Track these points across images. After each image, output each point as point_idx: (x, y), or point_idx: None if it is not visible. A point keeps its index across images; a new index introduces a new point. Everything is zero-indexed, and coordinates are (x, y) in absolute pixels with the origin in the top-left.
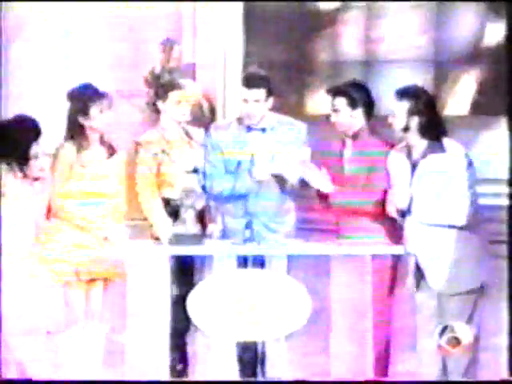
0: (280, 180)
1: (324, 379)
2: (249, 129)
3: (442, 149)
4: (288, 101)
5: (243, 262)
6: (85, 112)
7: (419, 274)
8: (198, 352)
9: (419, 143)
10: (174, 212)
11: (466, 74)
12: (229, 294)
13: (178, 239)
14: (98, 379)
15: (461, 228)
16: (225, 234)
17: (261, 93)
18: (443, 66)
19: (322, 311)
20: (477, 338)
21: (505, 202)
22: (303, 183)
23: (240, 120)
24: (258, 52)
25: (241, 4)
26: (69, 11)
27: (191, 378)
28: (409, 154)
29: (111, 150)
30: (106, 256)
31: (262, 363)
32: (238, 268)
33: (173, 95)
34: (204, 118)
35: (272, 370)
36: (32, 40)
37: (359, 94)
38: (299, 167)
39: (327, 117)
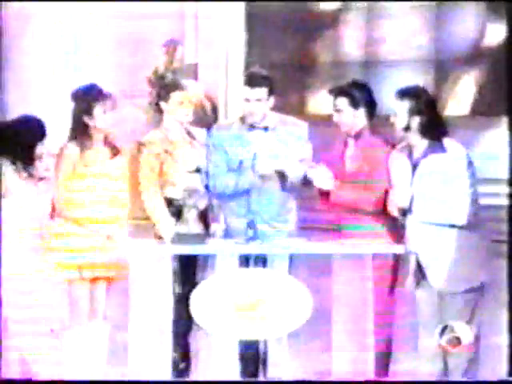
0: (281, 176)
1: (325, 379)
2: (251, 128)
3: (442, 149)
4: (289, 101)
5: (245, 261)
6: (89, 112)
7: (420, 272)
8: (200, 350)
9: (420, 143)
10: (176, 211)
11: (467, 74)
12: (231, 293)
13: (180, 238)
14: (99, 379)
15: (461, 227)
16: (227, 233)
17: (263, 92)
18: (443, 67)
19: (324, 310)
20: (477, 337)
21: (505, 201)
22: (305, 181)
23: (242, 119)
24: (260, 53)
25: (243, 5)
26: (73, 12)
27: (193, 376)
28: (410, 154)
29: (115, 151)
30: (108, 255)
31: (264, 362)
32: (240, 267)
33: (176, 96)
34: (206, 118)
35: (273, 369)
36: (36, 41)
37: (361, 94)
38: (301, 165)
39: (329, 117)
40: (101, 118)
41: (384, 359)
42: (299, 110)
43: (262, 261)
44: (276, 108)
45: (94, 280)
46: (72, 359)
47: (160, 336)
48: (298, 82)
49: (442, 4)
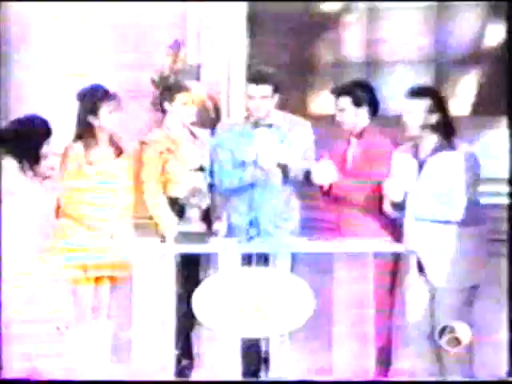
0: (284, 171)
1: (326, 377)
2: (255, 125)
3: (452, 147)
4: (291, 102)
5: (247, 259)
6: (94, 112)
7: (419, 270)
8: (202, 348)
9: (430, 141)
10: (179, 210)
11: (467, 74)
12: (233, 292)
13: (183, 237)
14: (100, 379)
15: (460, 225)
16: (230, 232)
17: (268, 89)
18: (444, 67)
19: (325, 309)
20: (473, 336)
21: (505, 200)
22: (307, 177)
23: (247, 118)
24: (262, 53)
25: (245, 6)
26: (76, 12)
27: (196, 373)
28: (416, 153)
29: (119, 151)
30: (113, 255)
31: (266, 360)
32: (242, 266)
33: (180, 97)
34: (208, 118)
35: (275, 367)
36: (41, 40)
37: (363, 93)
38: (304, 161)
39: (331, 118)
40: (106, 118)
41: (385, 357)
42: (301, 111)
43: (263, 260)
44: (278, 108)
45: (98, 279)
46: (76, 357)
47: (163, 334)
48: (299, 82)
49: (442, 5)
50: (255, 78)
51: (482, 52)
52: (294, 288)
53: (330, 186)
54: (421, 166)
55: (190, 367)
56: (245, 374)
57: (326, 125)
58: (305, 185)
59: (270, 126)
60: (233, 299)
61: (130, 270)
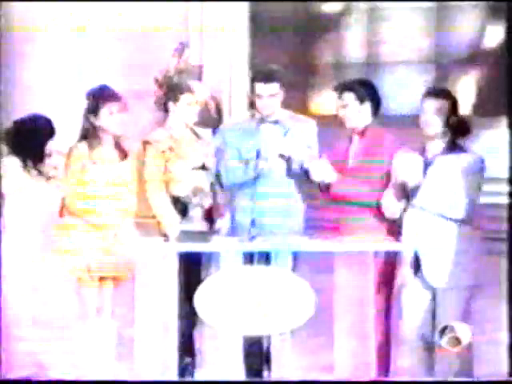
0: (288, 162)
1: (327, 374)
2: (261, 121)
3: (463, 149)
4: (292, 101)
5: (249, 258)
6: (95, 112)
7: (418, 269)
8: (205, 346)
9: (442, 141)
10: (182, 209)
11: (467, 75)
12: (235, 290)
13: (185, 236)
14: (101, 379)
15: (460, 224)
16: (233, 230)
17: (276, 87)
18: (444, 68)
19: (326, 307)
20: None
21: (505, 200)
22: (308, 175)
23: (252, 115)
24: (263, 54)
25: (246, 7)
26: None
27: (198, 371)
28: (422, 152)
29: (124, 154)
30: (116, 256)
31: (267, 358)
32: (244, 264)
33: (184, 97)
34: (211, 118)
35: (277, 365)
36: (45, 41)
37: (367, 90)
38: (307, 156)
39: (332, 117)
40: (106, 119)
41: (385, 355)
42: (302, 111)
43: (265, 258)
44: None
45: (102, 278)
46: (80, 355)
47: (165, 332)
48: (300, 82)
49: (442, 6)
50: (263, 76)
51: (481, 52)
52: (295, 287)
53: (329, 185)
54: (427, 165)
55: (193, 365)
56: (247, 372)
57: (327, 124)
58: (305, 183)
59: (276, 122)
60: (234, 298)
61: (133, 270)
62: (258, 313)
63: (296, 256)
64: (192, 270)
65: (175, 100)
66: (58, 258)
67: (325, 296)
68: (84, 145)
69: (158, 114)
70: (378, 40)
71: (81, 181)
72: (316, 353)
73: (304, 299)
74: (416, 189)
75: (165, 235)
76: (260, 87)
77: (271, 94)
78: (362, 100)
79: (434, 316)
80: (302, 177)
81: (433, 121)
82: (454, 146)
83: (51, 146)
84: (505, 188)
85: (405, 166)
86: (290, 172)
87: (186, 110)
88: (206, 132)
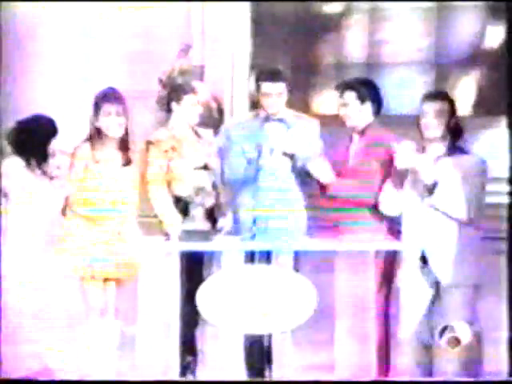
0: (291, 159)
1: (328, 373)
2: (266, 119)
3: (465, 151)
4: (293, 101)
5: (250, 257)
6: (96, 114)
7: (421, 267)
8: (206, 345)
9: (443, 144)
10: (183, 209)
11: (467, 75)
12: (236, 289)
13: (187, 235)
14: (101, 379)
15: (462, 223)
16: (234, 229)
17: (283, 86)
18: (444, 68)
19: (327, 306)
20: (476, 335)
21: (505, 199)
22: (308, 173)
23: (256, 114)
24: (265, 54)
25: (248, 7)
26: (84, 13)
27: (200, 369)
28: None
29: (127, 153)
30: (119, 256)
31: (269, 356)
32: (245, 263)
33: (188, 98)
34: (212, 118)
35: (278, 363)
36: (49, 41)
37: (368, 90)
38: (311, 154)
39: (334, 117)
40: (103, 121)
41: (385, 354)
42: (303, 110)
43: (266, 257)
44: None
45: (105, 278)
46: (84, 354)
47: (167, 330)
48: (301, 83)
49: (442, 6)
50: (271, 75)
51: (481, 53)
52: (297, 285)
53: (328, 186)
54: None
55: (194, 364)
56: (248, 371)
57: (328, 124)
58: (308, 182)
59: (281, 120)
60: (236, 296)
61: (137, 270)
62: (259, 312)
63: (297, 255)
64: (194, 269)
65: (178, 100)
66: (61, 258)
67: (325, 295)
68: (87, 145)
69: (160, 114)
70: (378, 40)
71: (84, 180)
72: (317, 352)
73: (305, 298)
74: (419, 183)
75: (167, 234)
76: (268, 86)
77: (279, 92)
78: (362, 99)
79: (433, 316)
80: (305, 176)
81: (433, 124)
82: (454, 148)
83: (54, 145)
84: (505, 188)
85: (405, 152)
86: (293, 170)
87: (188, 110)
88: (207, 132)
